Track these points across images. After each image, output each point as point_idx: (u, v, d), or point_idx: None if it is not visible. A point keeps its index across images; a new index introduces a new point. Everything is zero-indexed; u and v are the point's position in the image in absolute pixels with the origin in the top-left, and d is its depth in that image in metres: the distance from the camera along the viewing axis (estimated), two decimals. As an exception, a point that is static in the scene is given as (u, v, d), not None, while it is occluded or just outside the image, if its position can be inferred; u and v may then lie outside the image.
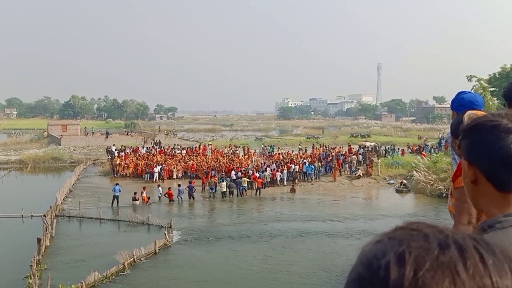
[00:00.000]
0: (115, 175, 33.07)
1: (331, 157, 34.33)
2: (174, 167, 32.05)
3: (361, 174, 31.12)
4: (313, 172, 30.36)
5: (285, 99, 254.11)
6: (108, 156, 40.09)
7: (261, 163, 32.24)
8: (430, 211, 22.54)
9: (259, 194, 26.34)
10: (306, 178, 30.20)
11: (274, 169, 29.90)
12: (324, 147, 41.29)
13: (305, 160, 31.85)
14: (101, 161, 40.37)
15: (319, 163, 31.36)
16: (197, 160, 33.84)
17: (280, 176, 29.33)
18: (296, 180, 29.74)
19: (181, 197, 24.12)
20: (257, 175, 27.78)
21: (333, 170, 31.24)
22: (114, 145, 44.60)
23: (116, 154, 37.97)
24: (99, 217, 20.43)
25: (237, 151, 40.80)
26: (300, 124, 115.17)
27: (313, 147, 42.82)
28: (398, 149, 40.42)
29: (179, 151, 40.17)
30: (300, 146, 41.99)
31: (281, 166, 30.66)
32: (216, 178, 27.04)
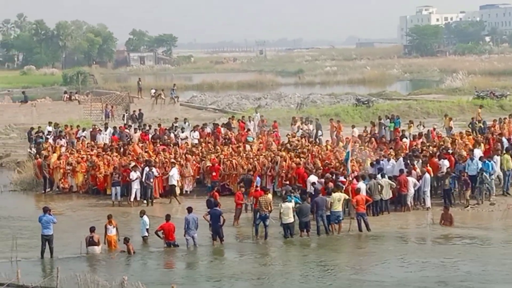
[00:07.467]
0: (48, 190, 34.33)
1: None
2: (175, 171, 32.43)
3: None
4: (492, 178, 30.26)
5: (423, 8, 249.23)
6: (31, 148, 41.21)
7: (367, 154, 32.84)
8: None
9: (369, 229, 26.52)
10: (475, 190, 29.98)
11: (402, 171, 29.67)
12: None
13: (474, 149, 31.62)
14: (16, 159, 41.93)
15: (509, 155, 31.06)
16: (225, 154, 34.34)
17: (416, 185, 29.28)
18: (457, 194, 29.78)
19: (192, 237, 24.69)
20: (357, 185, 27.81)
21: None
22: (36, 127, 45.54)
23: (49, 143, 38.62)
24: (17, 282, 21.00)
25: (311, 133, 40.88)
26: (462, 66, 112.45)
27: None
28: None
29: (184, 136, 40.89)
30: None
31: (414, 162, 30.60)
32: (269, 193, 27.31)
